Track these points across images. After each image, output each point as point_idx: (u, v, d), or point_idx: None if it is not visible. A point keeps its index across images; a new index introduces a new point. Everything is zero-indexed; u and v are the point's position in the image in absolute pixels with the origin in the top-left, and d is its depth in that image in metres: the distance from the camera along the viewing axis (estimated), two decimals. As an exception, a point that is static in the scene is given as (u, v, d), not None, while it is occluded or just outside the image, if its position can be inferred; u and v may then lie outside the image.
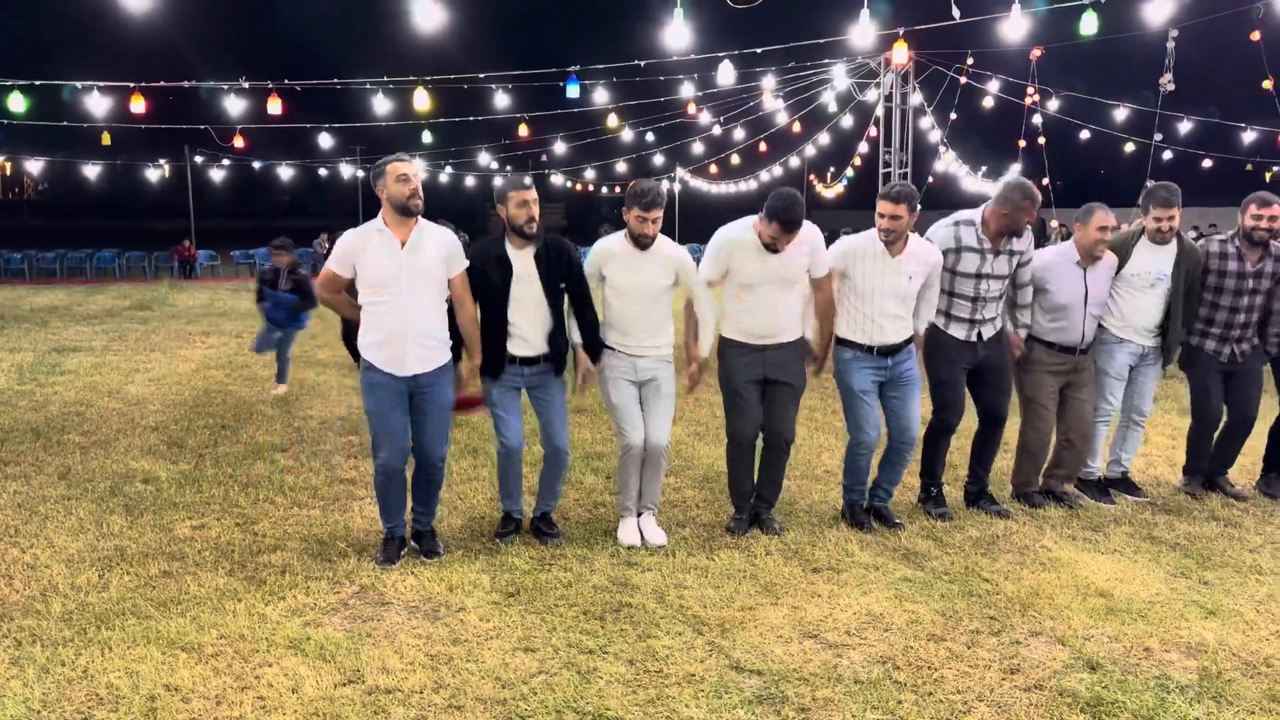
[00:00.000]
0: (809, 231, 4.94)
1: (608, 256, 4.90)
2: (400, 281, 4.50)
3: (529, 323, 4.79)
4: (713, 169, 37.55)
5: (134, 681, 3.49)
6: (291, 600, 4.23)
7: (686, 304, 5.08)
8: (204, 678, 3.53)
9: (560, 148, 30.80)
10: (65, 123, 21.70)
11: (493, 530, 5.10)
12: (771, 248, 4.82)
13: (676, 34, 9.75)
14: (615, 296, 4.90)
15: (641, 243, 4.83)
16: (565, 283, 4.82)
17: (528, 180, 4.79)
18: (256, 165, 36.07)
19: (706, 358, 5.09)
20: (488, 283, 4.74)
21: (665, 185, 5.02)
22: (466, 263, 4.71)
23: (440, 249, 4.61)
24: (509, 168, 39.65)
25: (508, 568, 4.63)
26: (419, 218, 4.57)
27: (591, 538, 5.06)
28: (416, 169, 4.55)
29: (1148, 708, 3.38)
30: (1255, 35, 14.39)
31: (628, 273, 4.86)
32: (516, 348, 4.81)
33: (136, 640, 3.81)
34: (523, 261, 4.75)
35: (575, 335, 4.96)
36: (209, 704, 3.36)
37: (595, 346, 4.96)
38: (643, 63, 16.27)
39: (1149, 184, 5.66)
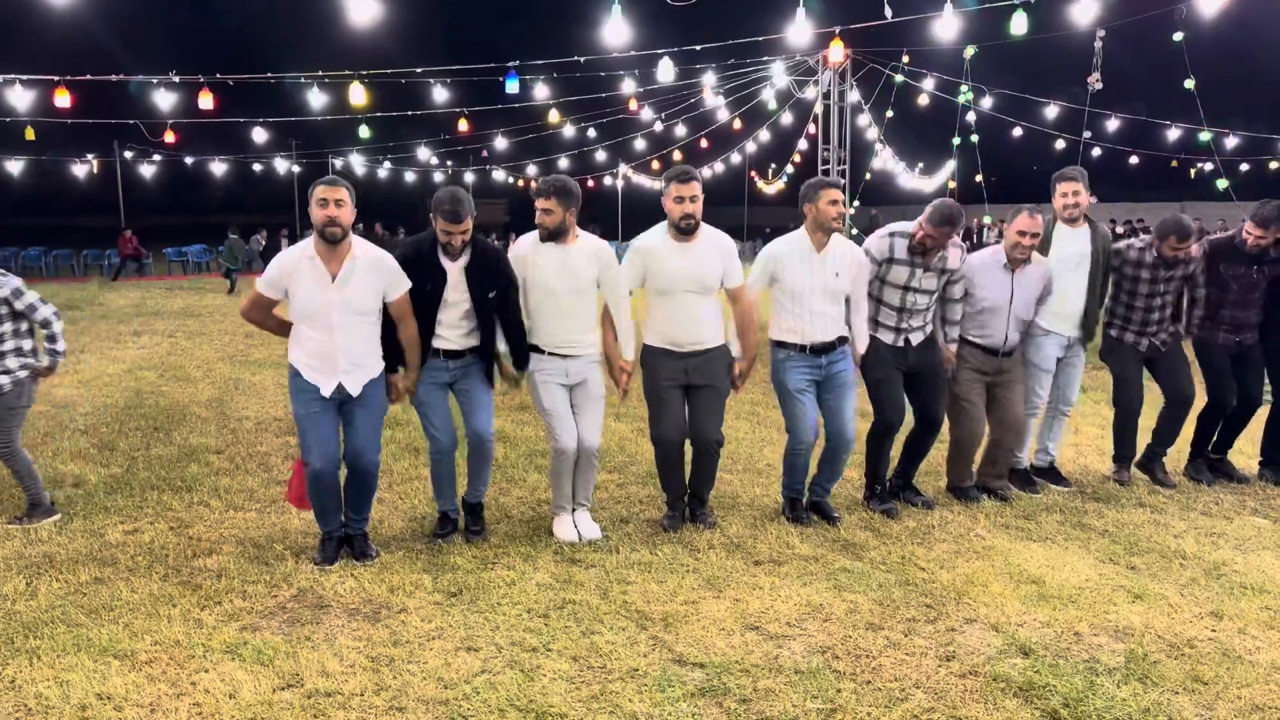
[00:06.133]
0: (721, 237, 5.04)
1: (527, 259, 4.86)
2: (331, 317, 4.42)
3: (453, 323, 4.74)
4: (655, 165, 37.60)
5: (64, 691, 3.41)
6: (228, 605, 4.17)
7: (604, 311, 5.06)
8: (138, 685, 3.46)
9: (501, 143, 30.52)
10: (-15, 117, 21.00)
11: (432, 530, 5.07)
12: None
13: (615, 31, 9.76)
14: (542, 295, 4.86)
15: (540, 234, 4.82)
16: (494, 291, 4.75)
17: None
18: (189, 160, 35.23)
19: (633, 360, 5.10)
20: (418, 286, 4.65)
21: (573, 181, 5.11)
22: (408, 285, 4.59)
23: (376, 279, 4.49)
24: (449, 162, 39.23)
25: (450, 567, 4.61)
26: (353, 242, 4.45)
27: (535, 535, 5.05)
28: (345, 194, 4.37)
29: (1078, 690, 3.48)
30: (1178, 36, 14.80)
31: (551, 271, 4.83)
32: (440, 343, 4.77)
33: (66, 649, 3.72)
34: (454, 270, 4.68)
35: (502, 344, 4.92)
36: (143, 712, 3.29)
37: (522, 355, 4.94)
38: (582, 59, 16.23)
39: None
